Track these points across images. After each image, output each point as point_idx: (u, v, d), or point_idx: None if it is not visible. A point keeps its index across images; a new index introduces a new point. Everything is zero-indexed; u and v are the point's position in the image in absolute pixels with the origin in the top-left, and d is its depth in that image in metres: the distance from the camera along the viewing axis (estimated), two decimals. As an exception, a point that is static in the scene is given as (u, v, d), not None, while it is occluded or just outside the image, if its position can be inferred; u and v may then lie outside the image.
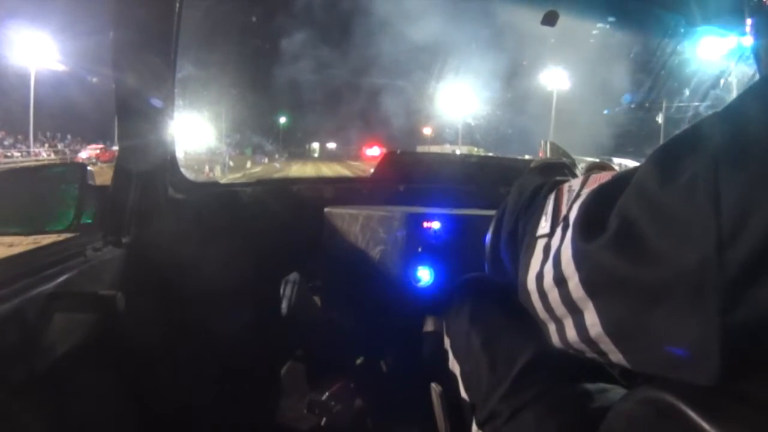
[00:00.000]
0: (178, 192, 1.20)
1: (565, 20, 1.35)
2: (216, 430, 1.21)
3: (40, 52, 23.39)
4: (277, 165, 29.74)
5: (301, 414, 1.24)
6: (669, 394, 0.35)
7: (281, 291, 1.23)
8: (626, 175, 0.37)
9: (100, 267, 0.92)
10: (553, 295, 0.42)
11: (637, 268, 0.33)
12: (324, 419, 1.22)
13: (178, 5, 1.01)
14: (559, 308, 0.42)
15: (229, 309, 1.18)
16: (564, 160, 0.72)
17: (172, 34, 1.01)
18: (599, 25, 1.73)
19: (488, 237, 0.66)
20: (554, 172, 0.62)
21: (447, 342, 0.82)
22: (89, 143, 24.33)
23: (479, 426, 0.64)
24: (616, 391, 0.55)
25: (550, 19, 1.32)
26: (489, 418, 0.61)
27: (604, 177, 0.43)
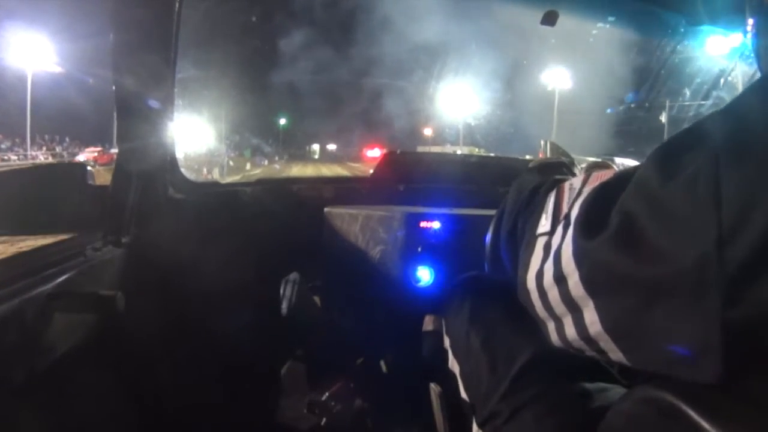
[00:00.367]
0: (178, 192, 1.20)
1: (565, 20, 1.35)
2: (216, 429, 1.21)
3: (37, 54, 23.27)
4: (277, 166, 29.71)
5: (301, 414, 1.24)
6: (669, 393, 0.35)
7: (281, 291, 1.24)
8: (628, 173, 0.37)
9: (100, 267, 0.92)
10: (553, 293, 0.42)
11: (637, 266, 0.32)
12: (324, 419, 1.22)
13: (177, 6, 1.01)
14: (559, 306, 0.41)
15: (229, 309, 1.18)
16: (563, 159, 0.72)
17: (171, 35, 1.01)
18: (599, 25, 1.73)
19: (488, 236, 0.66)
20: (553, 171, 0.62)
21: (446, 341, 0.82)
22: (87, 146, 24.21)
23: (479, 426, 0.64)
24: (616, 391, 0.55)
25: (549, 19, 1.32)
26: (489, 418, 0.61)
27: (605, 175, 0.43)
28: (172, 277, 1.07)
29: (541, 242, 0.45)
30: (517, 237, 0.53)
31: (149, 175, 1.07)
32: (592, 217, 0.38)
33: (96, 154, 21.22)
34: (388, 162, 1.59)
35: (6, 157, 21.08)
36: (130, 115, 1.01)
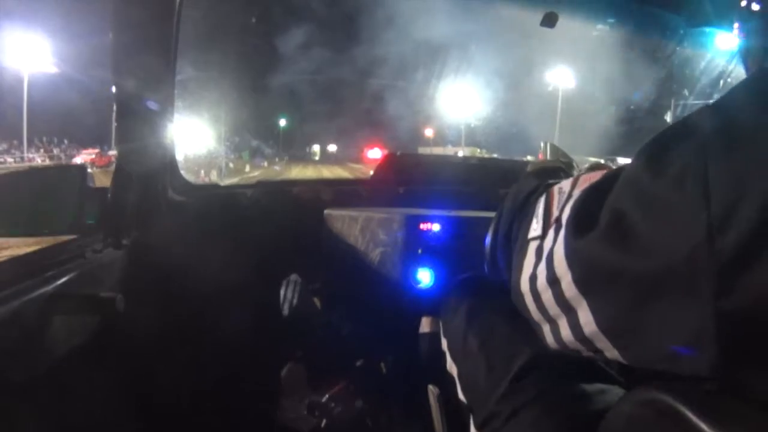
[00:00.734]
0: (178, 194, 1.20)
1: (566, 20, 1.35)
2: (216, 431, 1.21)
3: (34, 55, 23.10)
4: (277, 168, 29.72)
5: (302, 415, 1.24)
6: (668, 395, 0.35)
7: (281, 293, 1.24)
8: (617, 172, 0.37)
9: (100, 269, 0.92)
10: (547, 295, 0.42)
11: (629, 261, 0.32)
12: (324, 421, 1.22)
13: (177, 6, 1.01)
14: (553, 308, 0.42)
15: (229, 311, 1.18)
16: (561, 161, 0.72)
17: (171, 36, 1.02)
18: (599, 26, 1.73)
19: (488, 239, 0.66)
20: (550, 175, 0.62)
21: (444, 343, 0.82)
22: (85, 147, 24.09)
23: (477, 427, 0.64)
24: (615, 392, 0.55)
25: (549, 21, 1.32)
26: (487, 420, 0.61)
27: (594, 176, 0.43)
28: (172, 279, 1.07)
29: (533, 246, 0.45)
30: (512, 241, 0.53)
31: (149, 177, 1.08)
32: (583, 217, 0.38)
33: (94, 156, 21.01)
34: (388, 164, 1.59)
35: (2, 160, 20.93)
36: (129, 117, 1.01)
